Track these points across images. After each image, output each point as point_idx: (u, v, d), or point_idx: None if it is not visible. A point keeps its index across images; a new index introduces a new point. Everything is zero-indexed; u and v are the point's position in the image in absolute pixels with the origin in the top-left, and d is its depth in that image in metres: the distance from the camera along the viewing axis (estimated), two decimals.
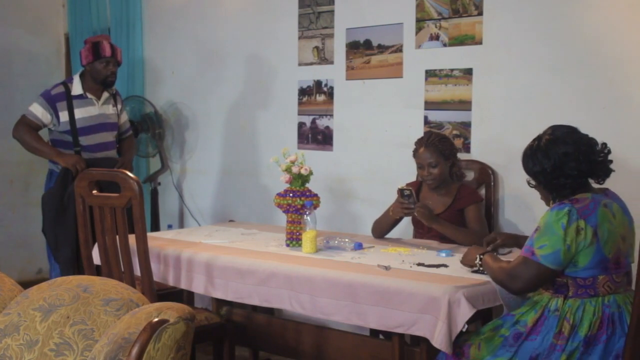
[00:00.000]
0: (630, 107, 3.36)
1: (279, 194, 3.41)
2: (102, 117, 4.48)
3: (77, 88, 4.43)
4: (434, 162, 3.52)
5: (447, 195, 3.58)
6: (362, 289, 2.77)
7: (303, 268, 3.00)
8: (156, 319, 1.87)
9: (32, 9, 5.84)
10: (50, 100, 4.38)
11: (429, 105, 4.02)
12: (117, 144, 4.65)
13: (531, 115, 3.63)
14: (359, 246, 3.35)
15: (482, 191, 3.78)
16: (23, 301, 2.24)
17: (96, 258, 3.43)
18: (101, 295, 2.14)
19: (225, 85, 5.03)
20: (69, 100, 4.39)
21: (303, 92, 4.59)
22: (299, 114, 4.62)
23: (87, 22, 5.67)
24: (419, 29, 4.03)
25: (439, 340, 2.55)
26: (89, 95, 4.45)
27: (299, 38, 4.58)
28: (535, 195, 2.77)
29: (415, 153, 3.59)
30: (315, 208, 3.34)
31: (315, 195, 3.40)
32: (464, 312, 2.53)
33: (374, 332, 3.38)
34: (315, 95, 4.53)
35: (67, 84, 4.47)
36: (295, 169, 3.37)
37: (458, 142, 3.85)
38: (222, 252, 3.33)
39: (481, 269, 2.78)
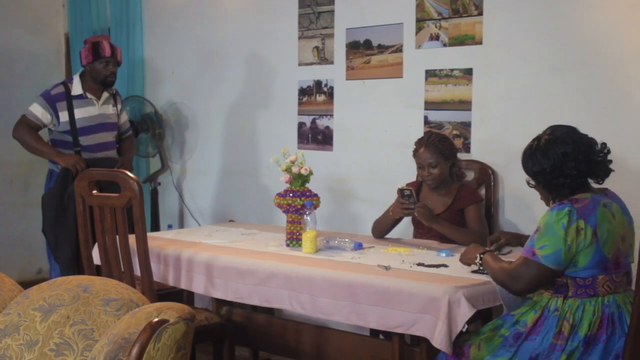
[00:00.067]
0: (630, 107, 3.37)
1: (279, 194, 3.41)
2: (102, 117, 4.48)
3: (77, 88, 4.43)
4: (434, 162, 3.52)
5: (447, 195, 3.58)
6: (362, 289, 2.77)
7: (303, 268, 3.00)
8: (156, 319, 1.87)
9: (32, 9, 5.84)
10: (50, 100, 4.38)
11: (429, 105, 4.02)
12: (117, 144, 4.65)
13: (531, 115, 3.63)
14: (359, 246, 3.35)
15: (482, 191, 3.78)
16: (23, 301, 2.24)
17: (96, 258, 3.43)
18: (101, 295, 2.14)
19: (225, 85, 5.03)
20: (69, 100, 4.39)
21: (303, 92, 4.59)
22: (299, 114, 4.62)
23: (87, 22, 5.67)
24: (419, 29, 4.03)
25: (439, 340, 2.55)
26: (89, 95, 4.45)
27: (299, 38, 4.58)
28: (535, 195, 2.77)
29: (415, 153, 3.59)
30: (315, 208, 3.34)
31: (315, 195, 3.40)
32: (464, 312, 2.53)
33: (374, 332, 3.38)
34: (315, 95, 4.53)
35: (67, 84, 4.47)
36: (295, 169, 3.37)
37: (458, 142, 3.85)
38: (222, 252, 3.33)
39: (481, 268, 2.78)
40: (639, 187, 3.26)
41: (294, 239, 3.42)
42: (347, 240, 3.38)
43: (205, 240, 3.64)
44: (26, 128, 4.37)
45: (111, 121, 4.55)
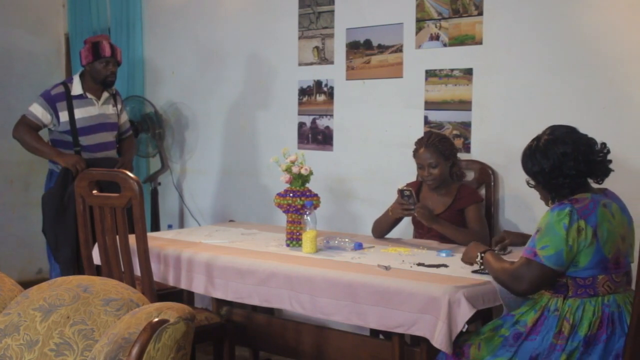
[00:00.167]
0: (630, 107, 3.36)
1: (279, 194, 3.41)
2: (102, 117, 4.48)
3: (77, 88, 4.43)
4: (434, 162, 3.52)
5: (447, 196, 3.58)
6: (362, 289, 2.77)
7: (303, 268, 3.00)
8: (156, 319, 1.87)
9: (32, 9, 5.84)
10: (50, 101, 4.38)
11: (429, 105, 4.02)
12: (117, 144, 4.65)
13: (531, 115, 3.63)
14: (359, 246, 3.35)
15: (482, 191, 3.78)
16: (23, 301, 2.24)
17: (96, 258, 3.43)
18: (101, 295, 2.14)
19: (225, 85, 5.03)
20: (69, 100, 4.39)
21: (303, 92, 4.59)
22: (299, 114, 4.62)
23: (87, 22, 5.67)
24: (419, 29, 4.03)
25: (439, 340, 2.55)
26: (89, 95, 4.45)
27: (299, 38, 4.58)
28: (535, 195, 2.77)
29: (416, 153, 3.59)
30: (315, 208, 3.34)
31: (315, 195, 3.40)
32: (464, 312, 2.53)
33: (374, 332, 3.38)
34: (315, 95, 4.53)
35: (67, 84, 4.47)
36: (295, 169, 3.37)
37: (458, 142, 3.85)
38: (222, 252, 3.33)
39: (482, 267, 2.78)
40: (639, 187, 3.26)
41: (294, 239, 3.42)
42: (347, 240, 3.38)
43: (206, 240, 3.64)
44: (26, 128, 4.37)
45: (111, 121, 4.55)
